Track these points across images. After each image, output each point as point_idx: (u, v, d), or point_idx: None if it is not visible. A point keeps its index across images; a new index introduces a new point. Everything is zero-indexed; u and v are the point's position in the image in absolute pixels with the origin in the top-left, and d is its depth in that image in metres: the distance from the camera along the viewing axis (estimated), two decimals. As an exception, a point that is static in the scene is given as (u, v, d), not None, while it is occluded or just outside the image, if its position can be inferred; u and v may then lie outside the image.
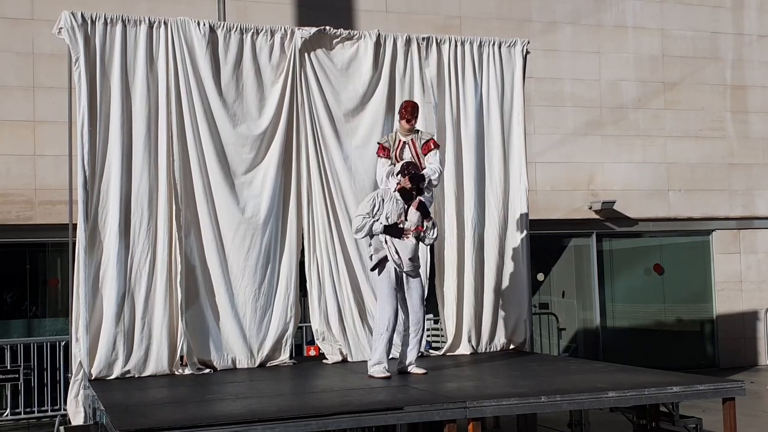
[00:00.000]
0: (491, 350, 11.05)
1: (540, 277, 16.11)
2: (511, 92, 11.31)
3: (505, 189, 11.20)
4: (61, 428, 9.36)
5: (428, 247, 10.25)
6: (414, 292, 9.02)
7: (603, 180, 16.29)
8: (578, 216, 16.16)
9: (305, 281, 10.53)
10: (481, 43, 11.24)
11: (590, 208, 16.14)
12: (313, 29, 10.50)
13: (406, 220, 8.88)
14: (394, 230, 8.83)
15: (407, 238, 8.87)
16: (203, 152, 10.03)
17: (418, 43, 10.96)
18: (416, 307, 9.04)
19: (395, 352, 10.26)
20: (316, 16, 13.39)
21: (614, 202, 16.01)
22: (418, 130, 9.40)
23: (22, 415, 12.22)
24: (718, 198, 17.06)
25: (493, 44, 11.28)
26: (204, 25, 10.10)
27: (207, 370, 9.80)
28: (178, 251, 9.76)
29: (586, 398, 7.79)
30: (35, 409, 12.22)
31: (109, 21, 9.71)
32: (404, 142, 9.26)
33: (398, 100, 10.82)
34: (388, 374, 8.80)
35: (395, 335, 9.05)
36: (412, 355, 9.14)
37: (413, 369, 9.08)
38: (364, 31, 10.93)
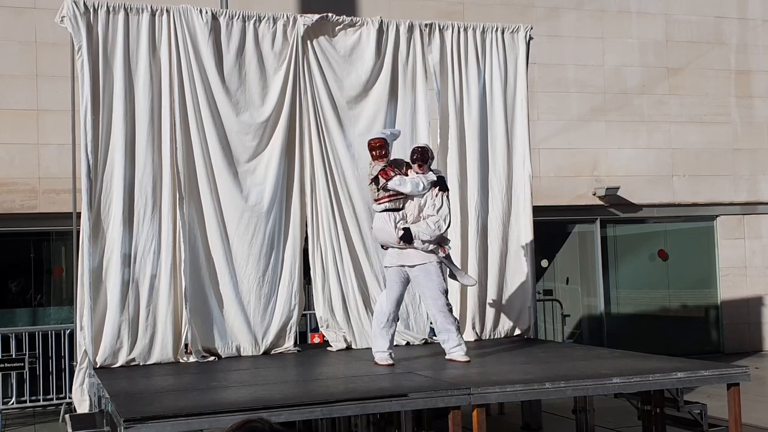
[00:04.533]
0: (495, 337, 11.06)
1: (544, 263, 16.11)
2: (514, 78, 11.28)
3: (509, 176, 11.18)
4: (67, 416, 9.36)
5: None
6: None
7: (607, 166, 16.26)
8: (582, 202, 16.13)
9: (309, 269, 10.54)
10: (484, 29, 11.20)
11: (594, 195, 16.11)
12: (316, 16, 10.47)
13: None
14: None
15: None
16: (206, 140, 10.02)
17: (420, 30, 10.93)
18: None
19: (400, 340, 10.32)
20: (318, 3, 13.34)
21: (618, 188, 15.98)
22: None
23: (28, 404, 12.24)
24: (723, 183, 17.02)
25: (496, 30, 11.25)
26: (206, 12, 10.08)
27: (211, 358, 9.82)
28: (181, 239, 9.77)
29: (590, 384, 7.81)
30: (40, 397, 12.24)
31: (111, 9, 9.70)
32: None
33: (401, 87, 10.81)
34: (391, 362, 8.83)
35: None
36: (442, 341, 9.21)
37: (452, 356, 9.10)
38: (366, 18, 10.90)
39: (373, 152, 9.04)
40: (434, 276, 8.88)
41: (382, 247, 9.30)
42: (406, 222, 8.90)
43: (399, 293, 9.05)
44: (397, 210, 8.93)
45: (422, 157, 9.03)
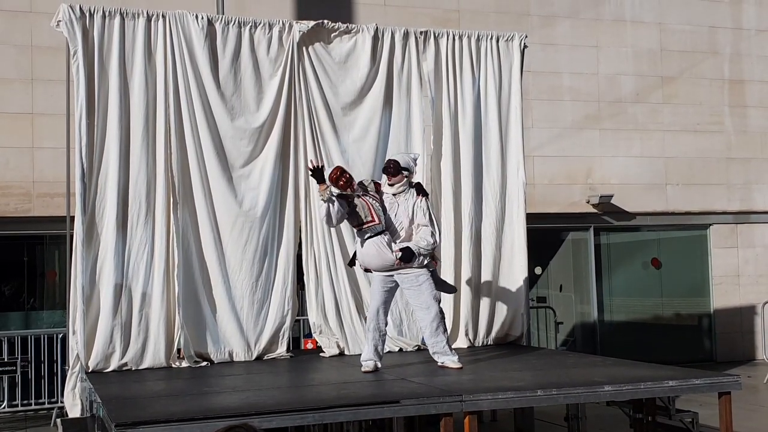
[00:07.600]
0: (488, 344, 11.07)
1: (537, 270, 16.11)
2: (508, 86, 11.31)
3: (503, 183, 11.21)
4: (58, 421, 9.36)
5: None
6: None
7: (601, 174, 16.29)
8: (576, 210, 16.15)
9: (302, 274, 10.55)
10: (479, 37, 11.24)
11: (588, 202, 16.13)
12: (312, 23, 10.50)
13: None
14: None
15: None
16: (201, 145, 10.03)
17: (416, 37, 10.96)
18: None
19: (393, 347, 10.31)
20: (314, 9, 13.37)
21: (612, 196, 16.01)
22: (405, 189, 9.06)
23: (19, 408, 12.20)
24: (716, 192, 17.06)
25: (491, 38, 11.28)
26: (202, 18, 10.10)
27: (204, 363, 9.81)
28: (175, 244, 9.78)
29: (582, 392, 7.82)
30: (32, 401, 12.19)
31: (107, 14, 9.73)
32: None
33: (396, 93, 10.84)
34: (369, 369, 8.83)
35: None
36: (433, 349, 9.15)
37: (444, 363, 9.07)
38: (362, 25, 10.94)
39: (340, 182, 8.77)
40: (426, 284, 8.86)
41: (366, 270, 9.19)
42: (394, 241, 8.83)
43: (383, 301, 8.97)
44: (382, 233, 8.81)
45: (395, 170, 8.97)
